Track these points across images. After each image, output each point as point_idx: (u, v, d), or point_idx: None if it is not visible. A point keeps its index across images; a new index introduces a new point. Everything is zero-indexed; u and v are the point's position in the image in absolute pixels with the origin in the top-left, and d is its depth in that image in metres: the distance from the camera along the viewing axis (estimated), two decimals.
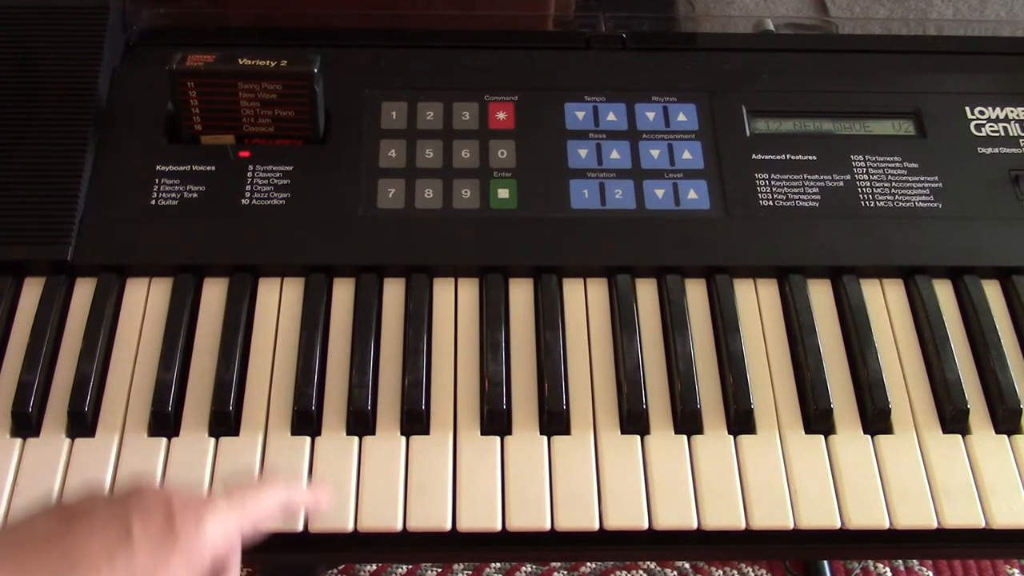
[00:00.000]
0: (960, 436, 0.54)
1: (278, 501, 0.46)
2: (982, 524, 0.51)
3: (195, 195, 0.60)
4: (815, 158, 0.63)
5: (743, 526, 0.51)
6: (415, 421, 0.53)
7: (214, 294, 0.58)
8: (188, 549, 0.40)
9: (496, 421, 0.53)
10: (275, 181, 0.60)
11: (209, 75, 0.59)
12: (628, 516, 0.50)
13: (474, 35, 0.72)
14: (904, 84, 0.67)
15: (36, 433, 0.53)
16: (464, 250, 0.59)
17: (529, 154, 0.62)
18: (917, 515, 0.51)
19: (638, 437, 0.53)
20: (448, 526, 0.50)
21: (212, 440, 0.53)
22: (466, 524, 0.50)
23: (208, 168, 0.61)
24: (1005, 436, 0.54)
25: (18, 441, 0.52)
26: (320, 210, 0.60)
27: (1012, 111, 0.66)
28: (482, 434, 0.53)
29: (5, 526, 0.44)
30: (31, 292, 0.57)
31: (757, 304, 0.59)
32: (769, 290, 0.59)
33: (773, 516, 0.51)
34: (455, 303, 0.58)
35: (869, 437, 0.54)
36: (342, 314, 0.57)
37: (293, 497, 0.48)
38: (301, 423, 0.53)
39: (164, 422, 0.53)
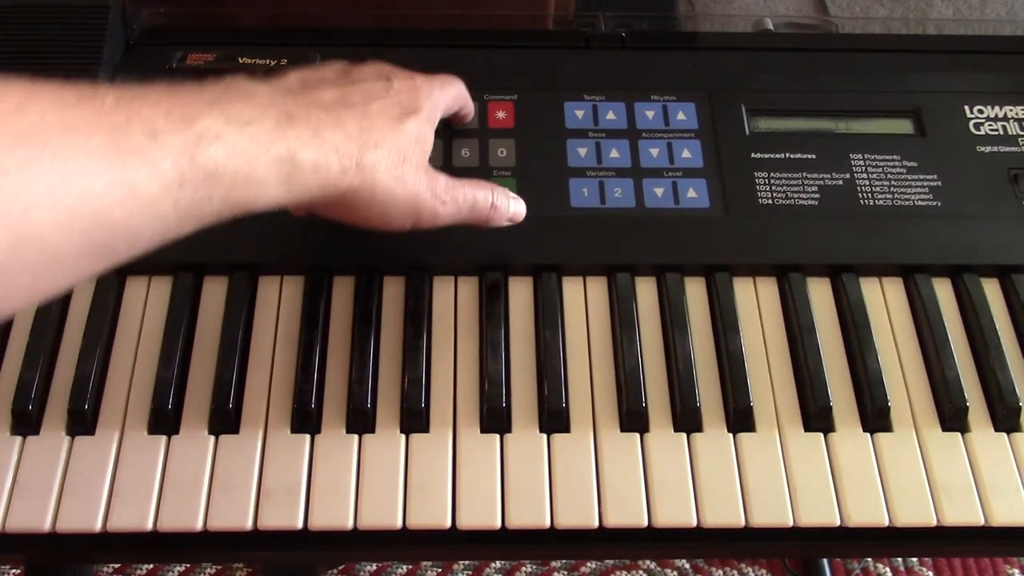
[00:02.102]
0: (959, 434, 0.54)
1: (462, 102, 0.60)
2: (982, 522, 0.51)
3: None
4: (814, 157, 0.63)
5: (743, 524, 0.51)
6: (415, 419, 0.53)
7: (214, 292, 0.58)
8: (431, 89, 0.53)
9: (496, 419, 0.53)
10: None
11: (209, 74, 0.59)
12: (628, 514, 0.51)
13: (473, 34, 0.72)
14: (904, 83, 0.67)
15: (36, 431, 0.53)
16: (463, 248, 0.59)
17: (529, 153, 0.63)
18: (917, 513, 0.51)
19: (638, 435, 0.53)
20: (448, 524, 0.50)
21: (212, 438, 0.53)
22: (466, 522, 0.50)
23: None
24: (1004, 434, 0.54)
25: (18, 439, 0.52)
26: None
27: (1011, 110, 0.66)
28: (482, 432, 0.53)
29: (293, 76, 0.50)
30: None
31: (757, 302, 0.59)
32: (769, 288, 0.59)
33: (772, 514, 0.51)
34: (455, 301, 0.58)
35: (868, 435, 0.54)
36: (342, 312, 0.57)
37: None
38: (301, 421, 0.53)
39: (164, 420, 0.53)
